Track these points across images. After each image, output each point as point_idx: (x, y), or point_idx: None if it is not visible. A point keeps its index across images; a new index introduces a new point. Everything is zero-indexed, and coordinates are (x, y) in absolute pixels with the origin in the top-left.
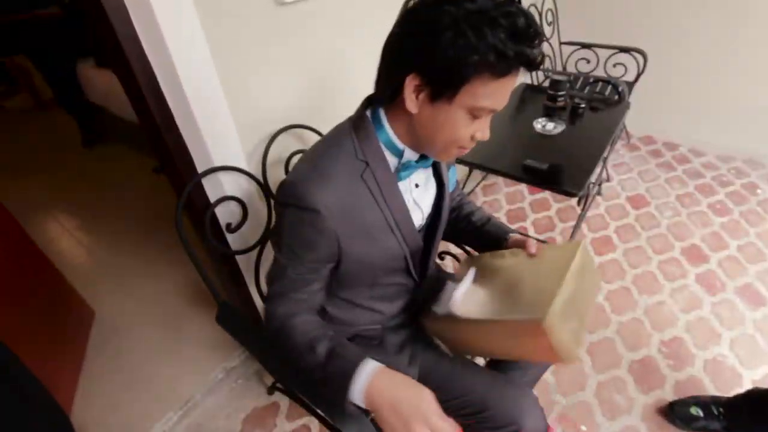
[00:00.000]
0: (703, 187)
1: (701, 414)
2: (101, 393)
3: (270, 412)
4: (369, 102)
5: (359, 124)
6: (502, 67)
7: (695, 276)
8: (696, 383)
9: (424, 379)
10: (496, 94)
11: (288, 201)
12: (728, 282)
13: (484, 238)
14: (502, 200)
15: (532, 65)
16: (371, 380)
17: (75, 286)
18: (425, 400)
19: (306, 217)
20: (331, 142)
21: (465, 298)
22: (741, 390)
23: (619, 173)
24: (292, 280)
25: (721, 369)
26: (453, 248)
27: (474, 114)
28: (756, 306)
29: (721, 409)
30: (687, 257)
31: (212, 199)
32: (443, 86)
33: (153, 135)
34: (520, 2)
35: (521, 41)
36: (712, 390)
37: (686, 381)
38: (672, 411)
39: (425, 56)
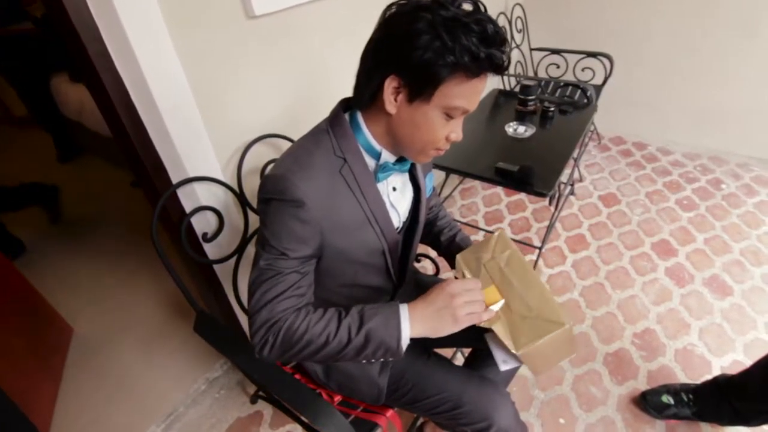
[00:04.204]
0: (671, 184)
1: (672, 402)
2: (81, 409)
3: (254, 421)
4: (345, 105)
5: (336, 123)
6: (474, 68)
7: (665, 269)
8: (668, 372)
9: (399, 380)
10: (469, 94)
11: (271, 196)
12: (696, 274)
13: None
14: (479, 203)
15: (500, 68)
16: (410, 311)
17: (51, 303)
18: (447, 284)
19: (291, 210)
20: (309, 140)
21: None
22: (710, 377)
23: (591, 173)
24: (283, 277)
25: (690, 358)
26: (431, 251)
27: (449, 114)
28: (723, 296)
29: (690, 396)
30: (657, 252)
31: (188, 209)
32: (421, 86)
33: (127, 148)
34: (486, 11)
35: (491, 45)
36: (683, 378)
37: (658, 371)
38: (645, 400)
39: (403, 59)
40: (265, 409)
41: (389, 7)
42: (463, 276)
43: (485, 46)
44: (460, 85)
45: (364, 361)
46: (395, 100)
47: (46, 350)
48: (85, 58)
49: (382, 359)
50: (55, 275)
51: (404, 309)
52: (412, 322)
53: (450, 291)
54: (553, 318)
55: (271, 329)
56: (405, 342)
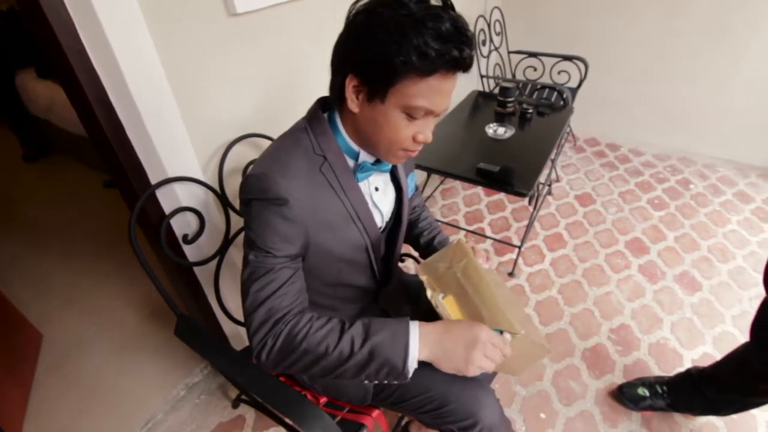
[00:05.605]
0: (643, 184)
1: (647, 394)
2: (53, 417)
3: (236, 425)
4: (324, 103)
5: (314, 121)
6: (425, 67)
7: (638, 267)
8: (642, 366)
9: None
10: (427, 94)
11: (253, 196)
12: (668, 271)
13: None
14: (460, 203)
15: (459, 66)
16: (421, 331)
17: (19, 308)
18: (478, 326)
19: (274, 208)
20: (288, 139)
21: None
22: (682, 369)
23: (568, 174)
24: (275, 273)
25: (664, 351)
26: (413, 251)
27: (410, 114)
28: (692, 291)
29: (664, 388)
30: (630, 250)
31: (167, 210)
32: (375, 85)
33: (103, 148)
34: (453, 8)
35: (445, 42)
36: (657, 371)
37: (633, 364)
38: (621, 393)
39: (358, 57)
40: (248, 413)
41: (354, 4)
42: (432, 292)
43: (439, 44)
44: (416, 85)
45: (366, 381)
46: (357, 98)
47: (14, 356)
48: (58, 54)
49: (385, 381)
50: (22, 279)
51: (414, 327)
52: (422, 344)
53: (478, 334)
54: (506, 327)
55: (270, 331)
56: (412, 364)
